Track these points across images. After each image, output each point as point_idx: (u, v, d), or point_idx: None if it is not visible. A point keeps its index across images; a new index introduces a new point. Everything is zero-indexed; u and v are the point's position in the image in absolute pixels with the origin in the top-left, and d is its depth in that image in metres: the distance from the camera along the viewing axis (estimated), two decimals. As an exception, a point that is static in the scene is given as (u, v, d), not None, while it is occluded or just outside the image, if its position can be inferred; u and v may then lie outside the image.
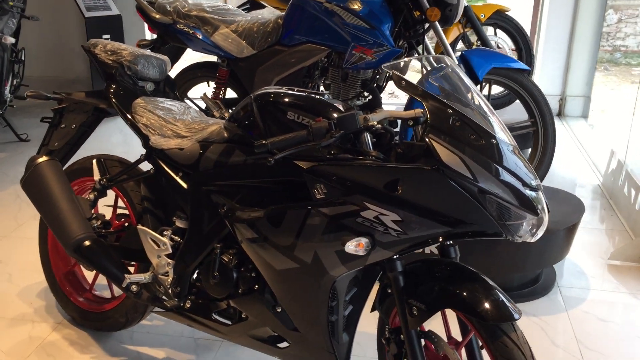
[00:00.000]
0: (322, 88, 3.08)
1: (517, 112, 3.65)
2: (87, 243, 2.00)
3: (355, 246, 1.46)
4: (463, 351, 1.60)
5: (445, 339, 1.64)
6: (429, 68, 1.64)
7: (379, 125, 1.60)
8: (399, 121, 1.96)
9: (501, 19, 4.28)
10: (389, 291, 1.69)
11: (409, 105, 2.74)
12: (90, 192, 2.16)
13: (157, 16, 3.09)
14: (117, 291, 2.35)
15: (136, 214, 2.16)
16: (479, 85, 2.75)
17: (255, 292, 1.81)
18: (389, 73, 2.95)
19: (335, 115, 1.63)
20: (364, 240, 1.47)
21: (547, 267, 2.77)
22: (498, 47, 4.31)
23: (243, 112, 1.82)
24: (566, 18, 5.64)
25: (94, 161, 2.14)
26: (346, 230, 1.54)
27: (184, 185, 1.94)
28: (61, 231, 2.01)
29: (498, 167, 1.43)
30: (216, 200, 1.85)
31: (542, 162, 2.95)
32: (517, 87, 2.84)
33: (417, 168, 1.43)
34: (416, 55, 2.87)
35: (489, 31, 4.44)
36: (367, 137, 1.60)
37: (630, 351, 2.36)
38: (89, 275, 2.53)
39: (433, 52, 2.89)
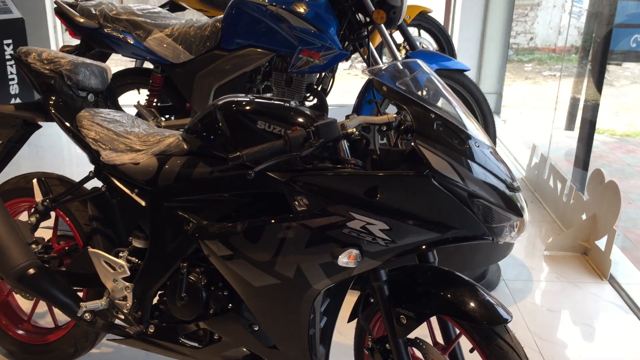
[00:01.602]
0: (267, 94, 3.00)
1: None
2: (31, 271, 1.82)
3: (347, 258, 1.42)
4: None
5: (431, 344, 1.62)
6: (404, 72, 1.62)
7: (357, 132, 1.57)
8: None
9: (425, 20, 4.39)
10: (372, 300, 1.66)
11: (357, 109, 2.73)
12: (32, 214, 1.96)
13: (82, 20, 2.89)
14: (62, 319, 2.16)
15: (83, 235, 1.99)
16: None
17: (230, 312, 1.71)
18: (332, 76, 2.95)
19: (311, 123, 1.58)
20: (354, 252, 1.43)
21: (494, 263, 2.85)
22: (422, 47, 4.41)
23: (204, 123, 1.73)
24: (477, 18, 5.89)
25: (35, 181, 1.95)
26: (332, 242, 1.48)
27: (142, 202, 1.81)
28: (0, 260, 1.82)
29: (484, 170, 1.44)
30: (180, 216, 1.74)
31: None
32: (459, 87, 2.90)
33: (406, 175, 1.41)
34: (369, 58, 2.85)
35: (414, 32, 4.54)
36: (344, 144, 1.56)
37: (580, 338, 2.47)
38: (25, 304, 2.30)
39: (376, 55, 2.89)
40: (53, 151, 4.67)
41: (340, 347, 2.25)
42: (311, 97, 2.87)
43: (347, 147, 1.57)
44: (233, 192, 1.67)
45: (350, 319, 1.75)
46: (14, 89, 5.35)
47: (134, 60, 3.37)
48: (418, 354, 1.65)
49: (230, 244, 1.62)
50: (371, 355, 1.66)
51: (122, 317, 1.87)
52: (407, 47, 3.72)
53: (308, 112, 1.66)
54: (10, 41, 5.33)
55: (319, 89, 2.88)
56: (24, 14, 5.50)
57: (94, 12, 2.91)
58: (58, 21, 6.12)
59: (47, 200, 1.93)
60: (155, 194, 1.78)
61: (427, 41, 4.49)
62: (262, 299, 1.62)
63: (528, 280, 2.91)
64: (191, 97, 2.87)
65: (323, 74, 2.84)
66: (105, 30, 2.88)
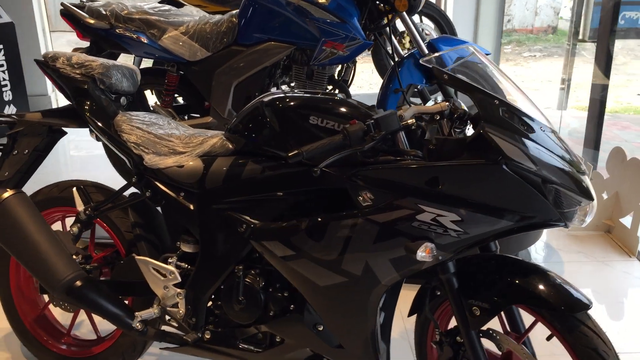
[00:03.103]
0: (284, 87, 2.95)
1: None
2: (78, 283, 1.76)
3: (424, 252, 1.38)
4: (523, 344, 1.57)
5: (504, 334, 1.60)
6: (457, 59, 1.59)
7: (415, 123, 1.54)
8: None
9: (426, 6, 4.34)
10: (438, 293, 1.63)
11: (382, 99, 2.69)
12: (73, 224, 1.90)
13: (92, 21, 2.80)
14: (104, 330, 2.11)
15: (125, 243, 1.94)
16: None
17: (292, 313, 1.67)
18: (354, 67, 2.91)
19: (366, 116, 1.54)
20: (430, 245, 1.40)
21: (525, 248, 2.84)
22: (426, 33, 4.38)
23: (250, 121, 1.68)
24: (471, 1, 5.86)
25: (74, 189, 1.88)
26: (401, 237, 1.45)
27: (189, 205, 1.76)
28: (45, 274, 1.76)
29: (552, 153, 1.41)
30: (231, 218, 1.69)
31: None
32: (474, 73, 2.86)
33: (478, 164, 1.37)
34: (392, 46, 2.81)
35: (415, 19, 4.50)
36: (403, 135, 1.53)
37: (616, 316, 2.48)
38: (62, 316, 2.24)
39: (397, 44, 2.85)
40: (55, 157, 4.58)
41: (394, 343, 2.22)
42: (334, 90, 2.83)
43: (404, 138, 1.54)
44: (288, 190, 1.63)
45: (410, 314, 1.73)
46: (7, 95, 5.21)
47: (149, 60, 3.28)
48: (488, 345, 1.62)
49: (291, 243, 1.58)
50: (440, 348, 1.63)
51: (176, 324, 1.82)
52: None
53: (359, 105, 1.62)
54: (1, 47, 5.19)
55: (341, 81, 2.84)
56: (14, 18, 5.36)
57: (104, 12, 2.83)
58: (47, 25, 6.00)
59: (89, 209, 1.87)
60: (203, 197, 1.73)
61: (428, 27, 4.45)
62: (328, 298, 1.59)
63: (558, 261, 2.91)
64: (210, 95, 2.80)
65: (345, 65, 2.80)
66: (117, 30, 2.80)
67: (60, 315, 2.23)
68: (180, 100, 3.24)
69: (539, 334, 1.52)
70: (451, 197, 1.40)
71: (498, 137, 1.37)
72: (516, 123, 1.42)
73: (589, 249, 3.02)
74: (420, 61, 1.52)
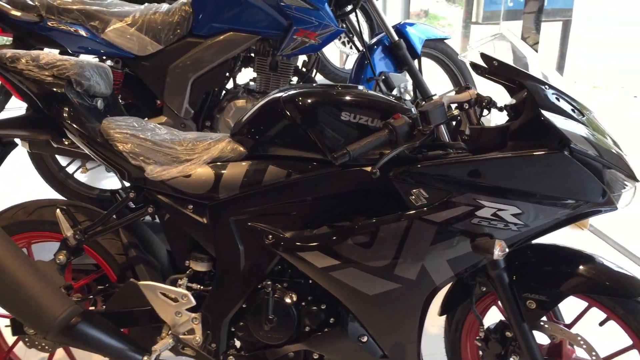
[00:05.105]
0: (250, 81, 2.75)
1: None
2: (76, 320, 1.51)
3: (499, 250, 1.31)
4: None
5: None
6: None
7: (459, 113, 1.46)
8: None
9: None
10: (484, 289, 1.57)
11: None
12: (58, 252, 1.62)
13: (18, 14, 2.43)
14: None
15: (116, 268, 1.70)
16: (416, 60, 2.70)
17: (333, 326, 1.54)
18: (318, 57, 2.77)
19: (405, 109, 1.44)
20: (502, 241, 1.33)
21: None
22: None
23: (265, 120, 1.52)
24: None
25: (58, 212, 1.60)
26: (461, 235, 1.38)
27: (201, 219, 1.56)
28: (33, 315, 1.49)
29: (601, 137, 1.39)
30: (253, 230, 1.53)
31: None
32: (442, 55, 2.85)
33: (542, 153, 1.32)
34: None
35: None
36: (444, 127, 1.45)
37: None
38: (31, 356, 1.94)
39: (358, 30, 2.75)
40: None
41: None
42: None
43: (446, 130, 1.46)
44: (321, 194, 1.49)
45: (442, 313, 1.66)
46: None
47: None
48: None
49: (335, 252, 1.45)
50: (485, 345, 1.58)
51: (192, 352, 1.62)
52: None
53: (392, 98, 1.51)
54: None
55: (306, 71, 2.70)
56: None
57: (31, 3, 2.46)
58: None
59: (78, 233, 1.61)
60: (217, 208, 1.55)
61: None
62: (377, 307, 1.47)
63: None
64: (163, 92, 2.55)
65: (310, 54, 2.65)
66: (50, 23, 2.46)
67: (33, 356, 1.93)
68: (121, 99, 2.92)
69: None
70: (511, 190, 1.34)
71: (557, 124, 1.32)
72: (567, 108, 1.38)
73: None
74: (468, 47, 1.43)
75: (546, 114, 1.33)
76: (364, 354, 1.54)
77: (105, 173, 3.59)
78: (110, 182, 3.55)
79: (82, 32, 2.48)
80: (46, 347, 1.76)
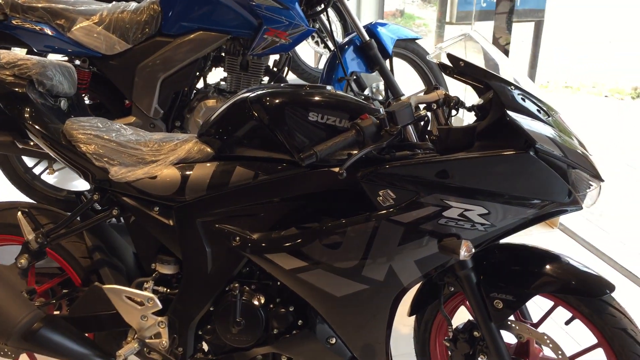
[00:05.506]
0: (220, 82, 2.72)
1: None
2: (38, 325, 1.48)
3: (465, 251, 1.31)
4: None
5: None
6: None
7: (426, 114, 1.46)
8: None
9: None
10: (452, 289, 1.57)
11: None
12: (19, 255, 1.58)
13: (-20, 12, 2.38)
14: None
15: (80, 271, 1.66)
16: (387, 60, 2.70)
17: (301, 328, 1.53)
18: (288, 56, 2.75)
19: (372, 109, 1.44)
20: (468, 242, 1.33)
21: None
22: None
23: (232, 121, 1.51)
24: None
25: (20, 214, 1.56)
26: (428, 235, 1.38)
27: (167, 221, 1.54)
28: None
29: (567, 138, 1.40)
30: (220, 232, 1.51)
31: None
32: (414, 56, 2.86)
33: (509, 153, 1.32)
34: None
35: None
36: (412, 128, 1.45)
37: None
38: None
39: (330, 30, 2.74)
40: None
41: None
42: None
43: (414, 130, 1.46)
44: (288, 195, 1.48)
45: (411, 313, 1.66)
46: None
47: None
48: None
49: (303, 254, 1.43)
50: (454, 345, 1.58)
51: (159, 357, 1.59)
52: None
53: (359, 99, 1.51)
54: None
55: (277, 71, 2.68)
56: None
57: (-6, 1, 2.41)
58: None
59: (40, 236, 1.57)
60: (184, 210, 1.53)
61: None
62: (345, 309, 1.47)
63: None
64: (132, 92, 2.51)
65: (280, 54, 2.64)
66: (14, 21, 2.40)
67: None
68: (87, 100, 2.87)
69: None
70: (478, 190, 1.34)
71: (523, 124, 1.33)
72: (533, 109, 1.39)
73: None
74: (436, 47, 1.43)
75: (512, 114, 1.34)
76: (332, 355, 1.53)
77: (74, 174, 3.54)
78: (80, 183, 3.50)
79: (48, 31, 2.43)
80: (9, 353, 1.71)
